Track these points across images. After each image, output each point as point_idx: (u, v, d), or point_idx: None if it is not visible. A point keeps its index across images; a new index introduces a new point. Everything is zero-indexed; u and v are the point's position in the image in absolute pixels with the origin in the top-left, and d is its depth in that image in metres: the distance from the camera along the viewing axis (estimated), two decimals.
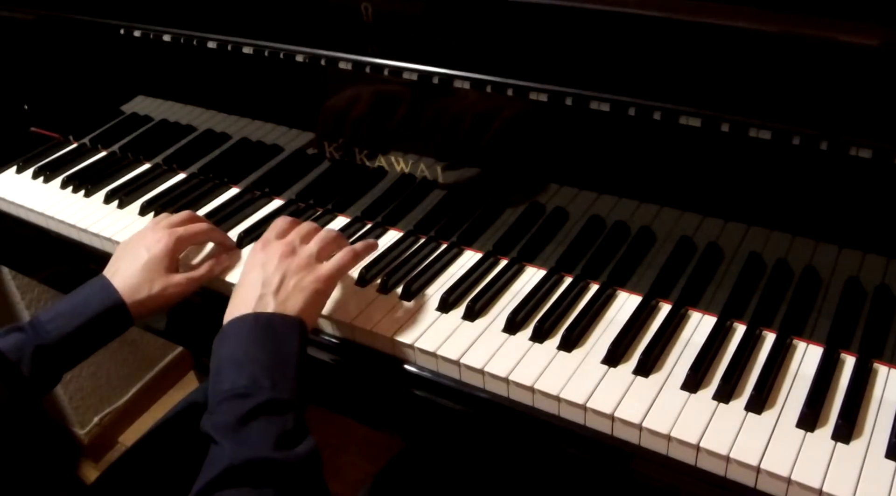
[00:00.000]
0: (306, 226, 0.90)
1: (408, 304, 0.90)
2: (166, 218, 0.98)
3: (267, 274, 0.81)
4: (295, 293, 0.80)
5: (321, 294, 0.82)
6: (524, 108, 0.85)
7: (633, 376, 0.79)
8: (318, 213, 1.08)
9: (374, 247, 0.94)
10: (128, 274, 0.90)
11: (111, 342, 0.90)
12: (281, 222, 0.90)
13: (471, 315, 0.88)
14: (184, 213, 1.00)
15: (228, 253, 1.01)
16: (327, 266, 0.84)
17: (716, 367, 0.80)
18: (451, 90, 0.88)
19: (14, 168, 1.26)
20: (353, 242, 1.01)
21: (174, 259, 0.93)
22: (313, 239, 0.87)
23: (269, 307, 0.78)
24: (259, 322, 0.77)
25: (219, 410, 0.71)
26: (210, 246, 1.02)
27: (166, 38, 1.06)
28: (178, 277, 0.92)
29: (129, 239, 0.96)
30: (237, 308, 0.79)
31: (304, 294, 0.80)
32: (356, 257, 0.88)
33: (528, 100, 0.83)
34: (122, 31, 1.10)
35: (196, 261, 0.99)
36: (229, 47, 1.01)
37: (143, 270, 0.90)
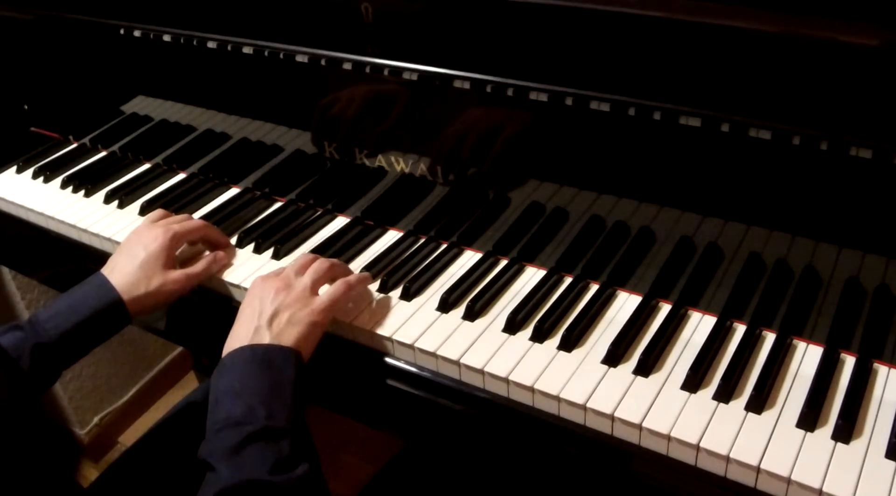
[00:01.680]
0: (301, 258, 0.90)
1: (407, 304, 0.90)
2: (163, 216, 0.99)
3: (263, 307, 0.82)
4: (289, 326, 0.81)
5: (315, 326, 0.83)
6: (524, 108, 0.85)
7: (633, 376, 0.79)
8: (319, 213, 1.08)
9: (369, 280, 0.93)
10: (125, 271, 0.90)
11: (112, 342, 0.90)
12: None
13: (471, 315, 0.88)
14: (180, 217, 1.01)
15: (226, 250, 1.01)
16: (321, 299, 0.85)
17: (716, 367, 0.80)
18: (452, 90, 0.88)
19: (14, 168, 1.26)
20: (354, 243, 1.02)
21: (171, 256, 0.94)
22: (307, 271, 0.87)
23: (265, 340, 0.79)
24: (255, 354, 0.78)
25: (215, 438, 0.73)
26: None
27: (166, 38, 1.06)
28: (176, 274, 0.93)
29: (126, 238, 0.96)
30: (235, 341, 0.80)
31: (298, 327, 0.81)
32: (350, 289, 0.88)
33: (528, 100, 0.83)
34: (122, 31, 1.10)
35: (193, 258, 0.99)
36: (229, 47, 1.01)
37: (140, 268, 0.90)
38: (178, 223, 0.97)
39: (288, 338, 0.80)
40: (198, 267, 0.95)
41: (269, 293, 0.84)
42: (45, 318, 0.85)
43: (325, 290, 0.86)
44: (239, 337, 0.80)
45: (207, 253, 1.01)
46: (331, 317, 0.86)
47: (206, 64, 1.07)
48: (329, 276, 0.89)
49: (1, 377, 0.81)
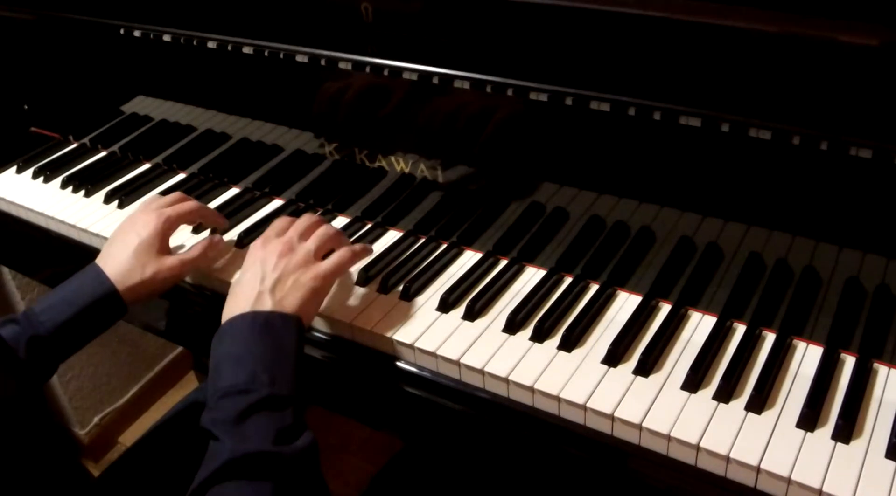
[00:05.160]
0: (304, 221, 0.89)
1: (408, 304, 0.90)
2: (156, 200, 0.97)
3: (265, 271, 0.81)
4: (292, 291, 0.80)
5: (319, 291, 0.82)
6: (524, 108, 0.85)
7: (633, 376, 0.79)
8: (319, 213, 1.08)
9: (370, 251, 0.94)
10: (119, 260, 0.89)
11: (112, 342, 0.90)
12: (280, 221, 0.90)
13: (471, 315, 0.88)
14: (174, 195, 0.99)
15: (222, 236, 1.00)
16: (325, 264, 0.84)
17: (716, 367, 0.80)
18: (451, 90, 0.88)
19: (14, 168, 1.26)
20: (354, 243, 1.01)
21: (165, 241, 0.93)
22: (311, 236, 0.87)
23: (267, 305, 0.79)
24: (257, 320, 0.77)
25: (218, 406, 0.72)
26: (204, 233, 1.03)
27: (166, 38, 1.06)
28: (171, 260, 0.91)
29: (120, 225, 0.95)
30: (235, 305, 0.79)
31: (301, 291, 0.80)
32: (354, 256, 0.88)
33: (528, 100, 0.83)
34: (122, 31, 1.10)
35: (189, 245, 0.99)
36: (229, 47, 1.01)
37: (134, 255, 0.89)
38: (170, 206, 0.95)
39: (290, 304, 0.79)
40: (192, 252, 0.94)
41: (272, 257, 0.83)
42: (39, 311, 0.85)
43: (330, 257, 0.86)
44: (240, 302, 0.79)
45: (200, 237, 1.00)
46: (332, 284, 0.85)
47: (206, 64, 1.07)
48: (333, 244, 0.88)
49: (1, 373, 0.81)
